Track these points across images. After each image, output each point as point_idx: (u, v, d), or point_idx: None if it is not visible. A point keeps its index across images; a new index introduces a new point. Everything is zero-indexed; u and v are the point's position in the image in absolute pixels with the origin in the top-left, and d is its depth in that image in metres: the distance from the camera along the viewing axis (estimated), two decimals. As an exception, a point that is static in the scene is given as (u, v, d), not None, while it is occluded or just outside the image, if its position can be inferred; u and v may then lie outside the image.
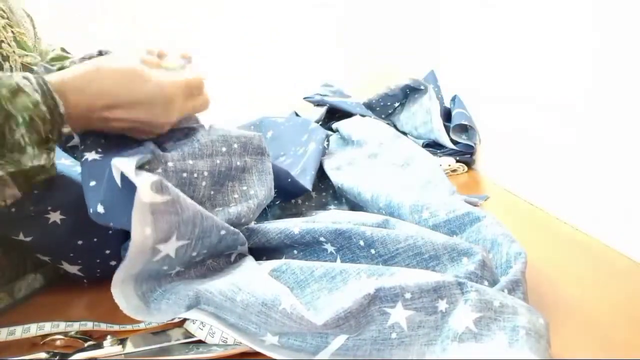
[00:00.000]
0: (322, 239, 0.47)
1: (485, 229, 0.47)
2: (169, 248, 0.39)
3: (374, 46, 1.42)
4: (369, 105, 1.09)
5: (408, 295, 0.35)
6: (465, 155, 0.90)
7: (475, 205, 0.60)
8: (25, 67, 0.56)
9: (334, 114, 1.06)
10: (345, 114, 1.02)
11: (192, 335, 0.39)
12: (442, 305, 0.35)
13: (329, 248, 0.48)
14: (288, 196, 0.65)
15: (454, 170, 0.88)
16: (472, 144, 0.90)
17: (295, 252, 0.49)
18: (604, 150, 0.55)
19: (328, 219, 0.53)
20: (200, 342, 0.38)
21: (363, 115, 1.00)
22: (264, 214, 0.62)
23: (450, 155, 0.90)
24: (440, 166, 0.80)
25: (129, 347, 0.37)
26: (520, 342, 0.31)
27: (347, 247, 0.47)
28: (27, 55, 0.57)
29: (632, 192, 0.51)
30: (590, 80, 0.57)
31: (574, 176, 0.61)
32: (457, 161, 0.89)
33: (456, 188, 0.66)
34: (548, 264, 0.49)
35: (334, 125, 0.96)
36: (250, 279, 0.39)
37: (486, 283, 0.40)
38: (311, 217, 0.56)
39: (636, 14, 0.49)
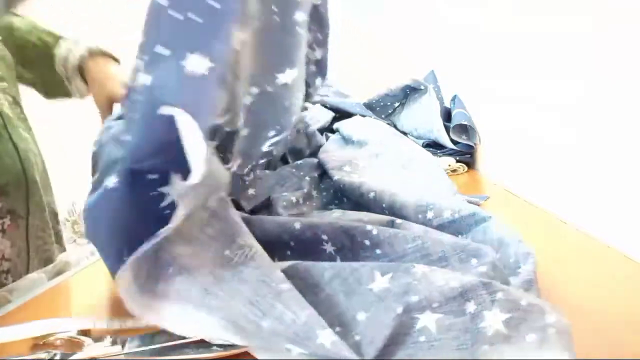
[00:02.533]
0: (324, 236, 0.46)
1: (491, 230, 0.47)
2: None
3: (374, 46, 1.42)
4: (369, 105, 1.09)
5: (435, 305, 0.35)
6: (465, 155, 0.90)
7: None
8: None
9: (334, 114, 1.06)
10: (345, 114, 1.02)
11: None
12: (471, 307, 0.34)
13: (329, 248, 0.46)
14: None
15: (454, 170, 0.88)
16: (472, 144, 0.90)
17: (289, 252, 0.47)
18: (604, 150, 0.55)
19: (331, 218, 0.52)
20: (200, 342, 0.38)
21: (363, 115, 1.00)
22: (266, 211, 0.61)
23: (450, 155, 0.90)
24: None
25: (129, 347, 0.37)
26: (552, 341, 0.31)
27: (349, 247, 0.45)
28: None
29: (633, 192, 0.51)
30: (590, 80, 0.57)
31: (574, 176, 0.61)
32: (457, 161, 0.89)
33: (457, 188, 0.66)
34: (549, 264, 0.49)
35: (334, 126, 0.96)
36: (272, 300, 0.36)
37: None
38: (313, 217, 0.55)
39: (636, 14, 0.49)
